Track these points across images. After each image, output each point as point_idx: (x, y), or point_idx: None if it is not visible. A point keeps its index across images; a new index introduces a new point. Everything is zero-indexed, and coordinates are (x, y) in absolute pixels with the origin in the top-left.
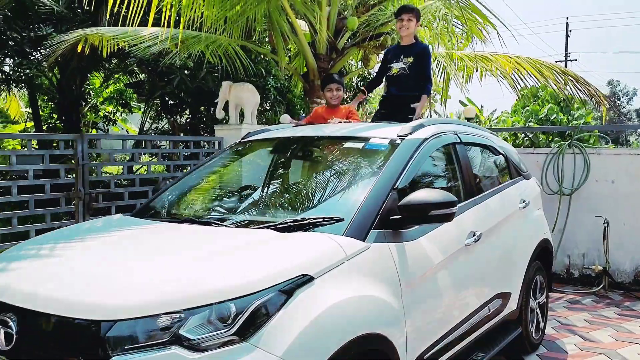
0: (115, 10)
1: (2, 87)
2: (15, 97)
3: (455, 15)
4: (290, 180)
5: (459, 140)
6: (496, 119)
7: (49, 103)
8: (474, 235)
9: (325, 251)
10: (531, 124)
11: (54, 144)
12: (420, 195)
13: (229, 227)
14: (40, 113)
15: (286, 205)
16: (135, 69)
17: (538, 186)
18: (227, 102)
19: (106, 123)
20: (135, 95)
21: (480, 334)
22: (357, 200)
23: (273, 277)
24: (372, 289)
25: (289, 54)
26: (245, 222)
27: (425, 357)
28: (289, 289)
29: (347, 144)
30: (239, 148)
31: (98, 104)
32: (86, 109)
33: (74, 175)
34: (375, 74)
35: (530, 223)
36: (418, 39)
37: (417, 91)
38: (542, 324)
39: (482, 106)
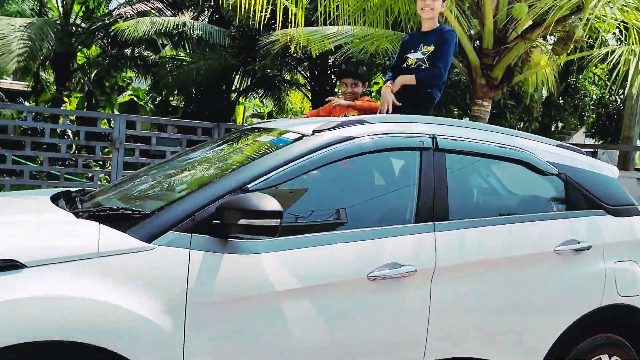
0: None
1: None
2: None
3: None
4: (180, 170)
5: (431, 146)
6: None
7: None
8: (398, 267)
9: (68, 242)
10: None
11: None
12: (237, 199)
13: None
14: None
15: (135, 193)
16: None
17: None
18: None
19: None
20: None
21: None
22: (175, 196)
23: None
24: (124, 297)
25: None
26: (83, 205)
27: None
28: None
29: (263, 137)
30: (223, 137)
31: None
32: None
33: None
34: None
35: (580, 276)
36: (442, 22)
37: (437, 89)
38: None
39: None
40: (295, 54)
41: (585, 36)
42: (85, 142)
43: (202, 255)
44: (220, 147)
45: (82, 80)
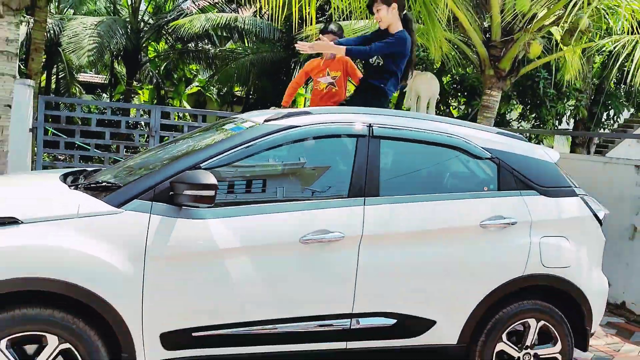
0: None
1: None
2: None
3: None
4: (163, 151)
5: (367, 134)
6: None
7: None
8: (327, 233)
9: (57, 204)
10: None
11: None
12: (183, 174)
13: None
14: None
15: (131, 171)
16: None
17: (587, 209)
18: None
19: None
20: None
21: (336, 346)
22: (145, 173)
23: None
24: (94, 247)
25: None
26: (85, 180)
27: (194, 335)
28: None
29: (228, 125)
30: (206, 126)
31: None
32: None
33: None
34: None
35: (504, 247)
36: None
37: (391, 85)
38: None
39: None
40: None
41: (594, 26)
42: (126, 130)
43: (160, 219)
44: (198, 134)
45: (151, 73)
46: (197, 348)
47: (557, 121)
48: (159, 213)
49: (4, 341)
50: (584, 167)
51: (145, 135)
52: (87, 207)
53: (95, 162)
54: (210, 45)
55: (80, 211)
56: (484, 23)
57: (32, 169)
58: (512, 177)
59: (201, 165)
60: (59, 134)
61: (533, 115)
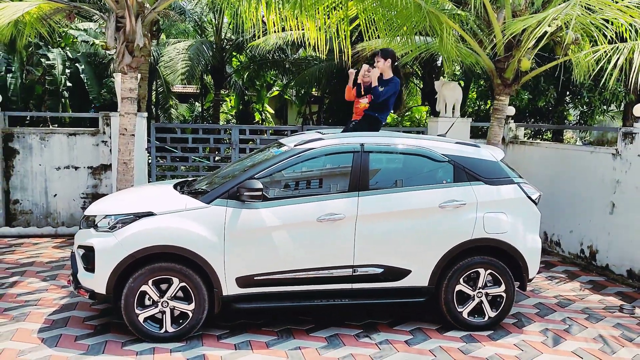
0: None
1: None
2: None
3: None
4: (236, 166)
5: (360, 150)
6: None
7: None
8: (334, 215)
9: (174, 203)
10: None
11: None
12: (244, 183)
13: (174, 188)
14: None
15: (216, 180)
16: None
17: (522, 193)
18: None
19: None
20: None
21: (344, 286)
22: (223, 181)
23: (131, 209)
24: (196, 227)
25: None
26: (187, 187)
27: (255, 278)
28: (139, 216)
29: (273, 148)
30: (263, 146)
31: None
32: None
33: None
34: None
35: (457, 220)
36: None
37: (384, 114)
38: (490, 312)
39: None
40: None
41: (583, 38)
42: (214, 145)
43: (232, 209)
44: (258, 153)
45: (236, 83)
46: (257, 287)
47: (605, 106)
48: (231, 206)
49: (150, 281)
50: (575, 155)
51: (229, 147)
52: (191, 204)
53: (192, 170)
54: (284, 55)
55: (187, 207)
56: (494, 39)
57: (148, 177)
58: (464, 173)
59: (255, 176)
60: (169, 147)
61: (579, 101)
